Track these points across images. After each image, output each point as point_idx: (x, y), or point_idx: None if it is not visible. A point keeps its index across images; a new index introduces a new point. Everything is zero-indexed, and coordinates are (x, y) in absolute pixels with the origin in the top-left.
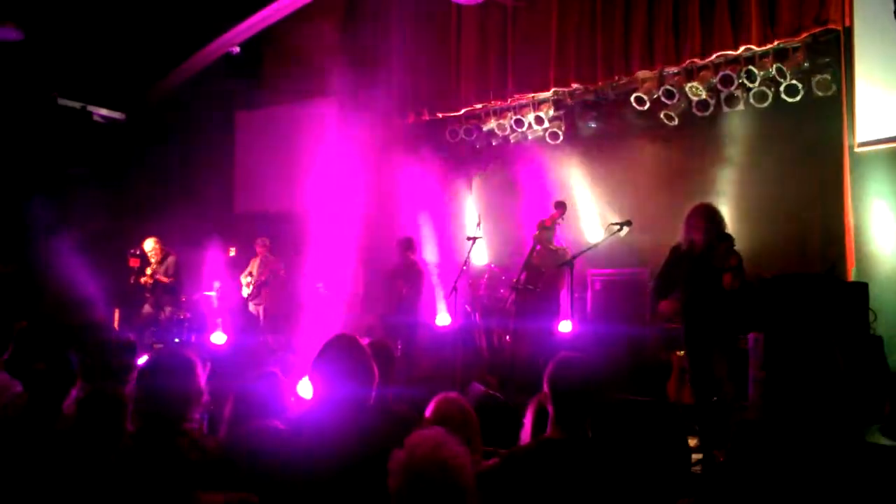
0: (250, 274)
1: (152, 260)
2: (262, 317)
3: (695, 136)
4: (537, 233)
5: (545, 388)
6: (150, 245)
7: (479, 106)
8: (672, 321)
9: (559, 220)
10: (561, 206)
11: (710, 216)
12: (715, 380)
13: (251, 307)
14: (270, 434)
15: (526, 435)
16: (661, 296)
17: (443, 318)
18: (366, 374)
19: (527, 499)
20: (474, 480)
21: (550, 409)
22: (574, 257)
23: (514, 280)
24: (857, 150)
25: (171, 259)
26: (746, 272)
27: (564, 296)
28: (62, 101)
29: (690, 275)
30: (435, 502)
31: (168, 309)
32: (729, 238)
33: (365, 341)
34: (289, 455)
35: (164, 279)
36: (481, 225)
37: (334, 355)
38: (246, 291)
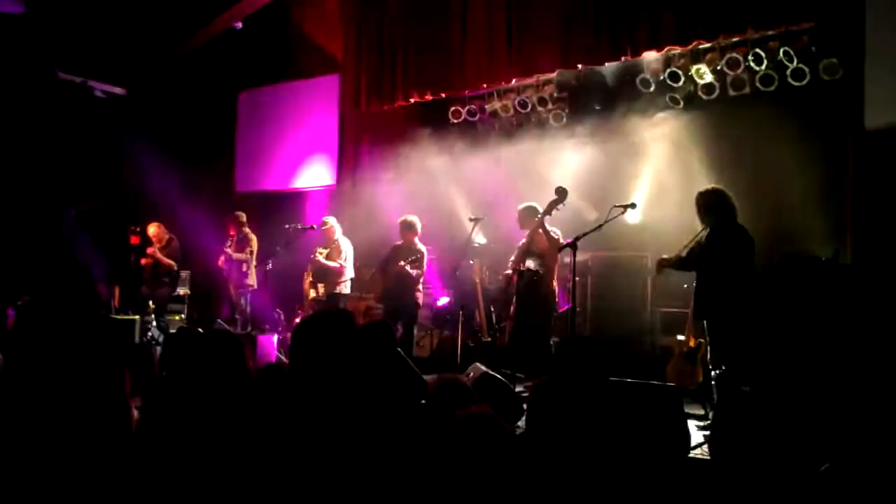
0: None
1: (156, 245)
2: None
3: (700, 119)
4: (536, 216)
5: (550, 370)
6: (152, 230)
7: (483, 86)
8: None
9: (559, 207)
10: (561, 193)
11: (700, 202)
12: (737, 361)
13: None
14: None
15: (528, 420)
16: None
17: (444, 300)
18: (350, 351)
19: (534, 483)
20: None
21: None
22: (577, 239)
23: (515, 262)
24: (864, 133)
25: (174, 244)
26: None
27: (565, 279)
28: (62, 76)
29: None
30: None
31: (167, 289)
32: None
33: (364, 322)
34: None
35: (166, 260)
36: (484, 206)
37: (312, 331)
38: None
